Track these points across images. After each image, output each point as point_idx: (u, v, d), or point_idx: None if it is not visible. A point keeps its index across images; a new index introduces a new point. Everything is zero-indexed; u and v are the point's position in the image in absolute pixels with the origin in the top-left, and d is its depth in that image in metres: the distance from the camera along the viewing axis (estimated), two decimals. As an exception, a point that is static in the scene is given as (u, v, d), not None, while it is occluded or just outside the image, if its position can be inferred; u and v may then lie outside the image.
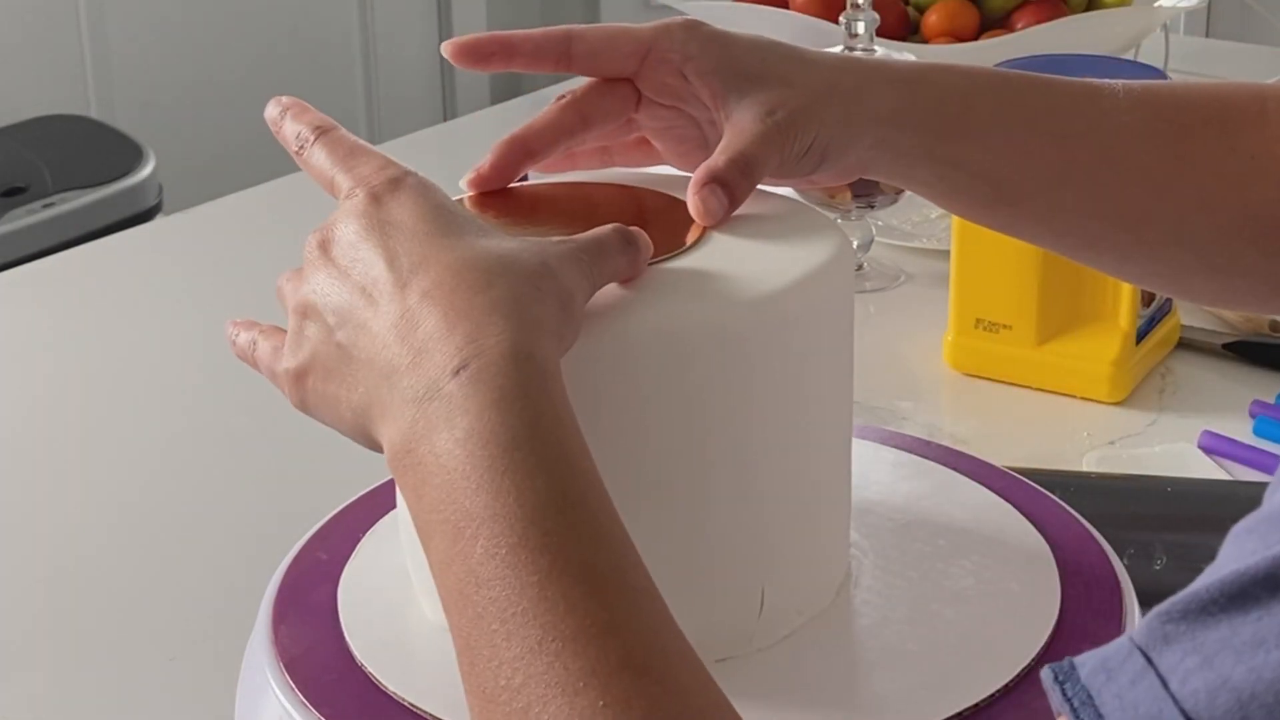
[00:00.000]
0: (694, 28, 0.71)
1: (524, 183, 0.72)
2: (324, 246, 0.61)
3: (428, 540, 0.54)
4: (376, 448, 0.59)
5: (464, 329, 0.55)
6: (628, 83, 0.72)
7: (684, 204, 0.66)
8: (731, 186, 0.67)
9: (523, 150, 0.71)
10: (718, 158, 0.68)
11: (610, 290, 0.60)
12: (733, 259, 0.63)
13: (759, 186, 0.69)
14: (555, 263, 0.58)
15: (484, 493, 0.52)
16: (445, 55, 0.72)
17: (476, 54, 0.71)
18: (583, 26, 0.71)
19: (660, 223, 0.65)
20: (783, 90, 0.70)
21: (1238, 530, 0.46)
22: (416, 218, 0.59)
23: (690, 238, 0.64)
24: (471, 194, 0.70)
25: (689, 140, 0.73)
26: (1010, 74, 0.75)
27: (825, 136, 0.70)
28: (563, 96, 0.72)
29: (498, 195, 0.70)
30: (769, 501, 0.61)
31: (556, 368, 0.55)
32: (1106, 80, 0.75)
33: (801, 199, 0.73)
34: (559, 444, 0.54)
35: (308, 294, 0.61)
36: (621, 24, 0.72)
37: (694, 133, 0.73)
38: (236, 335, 0.68)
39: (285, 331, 0.63)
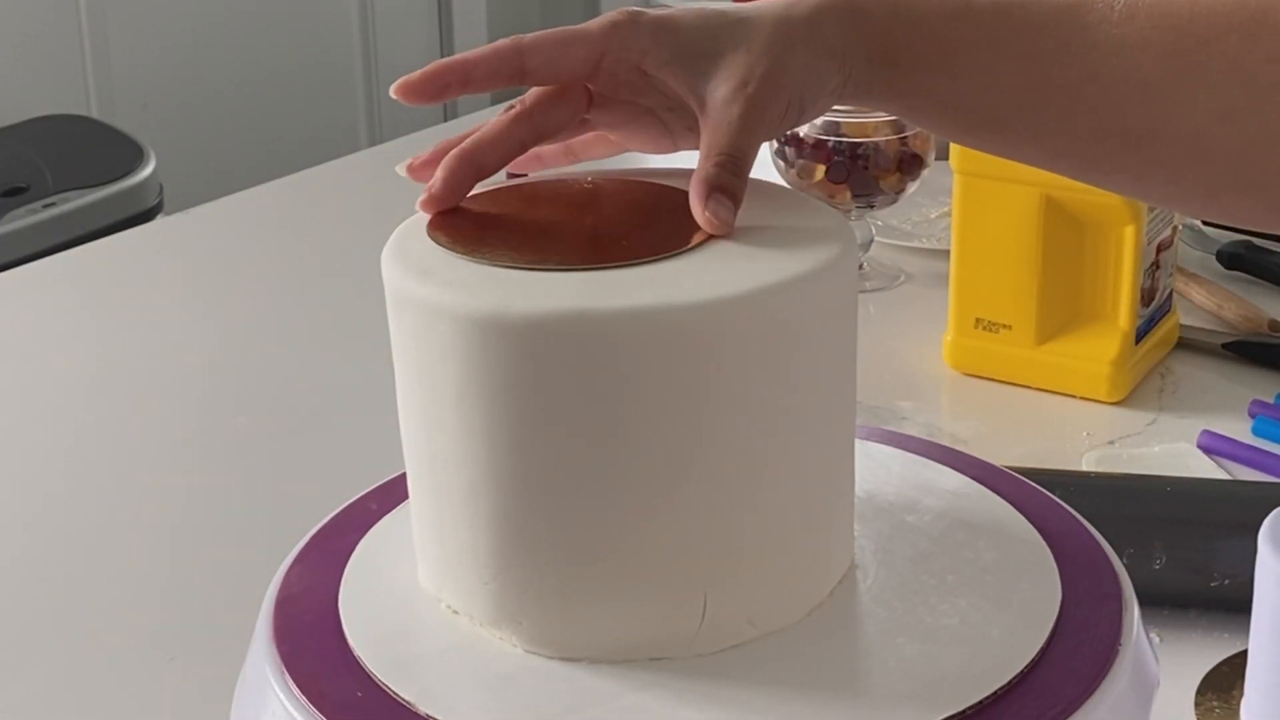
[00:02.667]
0: (637, 20, 0.70)
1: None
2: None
3: None
4: None
5: None
6: (579, 85, 0.71)
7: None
8: (730, 189, 0.66)
9: (473, 166, 0.68)
10: (706, 163, 0.67)
11: (612, 281, 0.60)
12: (737, 252, 0.63)
13: (759, 177, 0.69)
14: None
15: None
16: (395, 97, 0.69)
17: (430, 87, 0.70)
18: (531, 36, 0.70)
19: (670, 218, 0.66)
20: (744, 58, 0.69)
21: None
22: None
23: (698, 236, 0.64)
24: (429, 214, 0.68)
25: (649, 128, 0.73)
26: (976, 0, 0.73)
27: (796, 87, 0.69)
28: (512, 105, 0.71)
29: (508, 190, 0.70)
30: (768, 499, 0.62)
31: None
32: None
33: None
34: None
35: None
36: (567, 27, 0.70)
37: (651, 120, 0.72)
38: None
39: None
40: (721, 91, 0.68)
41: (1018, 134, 0.73)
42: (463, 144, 0.69)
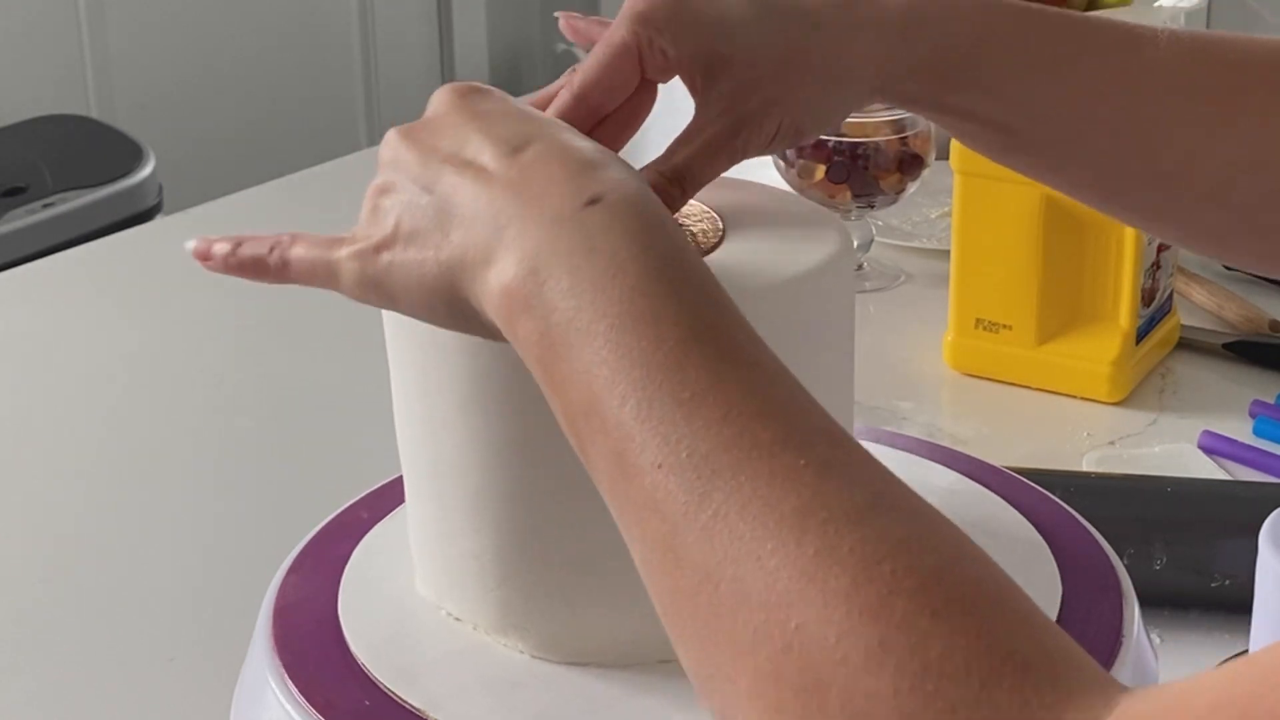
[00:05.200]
0: (655, 8, 0.67)
1: None
2: (410, 134, 0.58)
3: (563, 354, 0.52)
4: (458, 308, 0.56)
5: (587, 173, 0.54)
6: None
7: (703, 205, 0.67)
8: (662, 197, 0.64)
9: None
10: (652, 168, 0.66)
11: None
12: (735, 254, 0.63)
13: (756, 181, 0.69)
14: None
15: (642, 296, 0.51)
16: None
17: None
18: (579, 77, 0.67)
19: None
20: (743, 77, 0.66)
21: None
22: (508, 108, 0.58)
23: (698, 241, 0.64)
24: None
25: None
26: (1038, 12, 0.71)
27: (794, 118, 0.67)
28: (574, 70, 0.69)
29: None
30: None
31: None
32: (1151, 28, 0.72)
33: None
34: (704, 269, 0.53)
35: (388, 175, 0.59)
36: (602, 43, 0.67)
37: None
38: (230, 246, 0.65)
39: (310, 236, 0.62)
40: (709, 108, 0.67)
41: (1048, 160, 0.73)
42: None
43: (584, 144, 0.57)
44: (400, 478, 0.68)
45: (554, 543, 0.61)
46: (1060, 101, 0.71)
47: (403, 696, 0.60)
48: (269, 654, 0.64)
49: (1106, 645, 0.62)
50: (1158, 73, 0.71)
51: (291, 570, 0.69)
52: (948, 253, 1.20)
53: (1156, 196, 0.73)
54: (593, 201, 0.53)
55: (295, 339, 1.33)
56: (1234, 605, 0.87)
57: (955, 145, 1.17)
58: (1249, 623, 0.77)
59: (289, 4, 3.12)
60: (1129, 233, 1.13)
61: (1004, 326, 1.17)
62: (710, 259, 0.62)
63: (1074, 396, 1.16)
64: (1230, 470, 1.07)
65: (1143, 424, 1.13)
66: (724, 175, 0.70)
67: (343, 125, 3.24)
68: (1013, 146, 0.72)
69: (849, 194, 1.31)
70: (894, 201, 1.33)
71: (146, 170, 2.40)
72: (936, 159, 1.31)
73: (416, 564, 0.67)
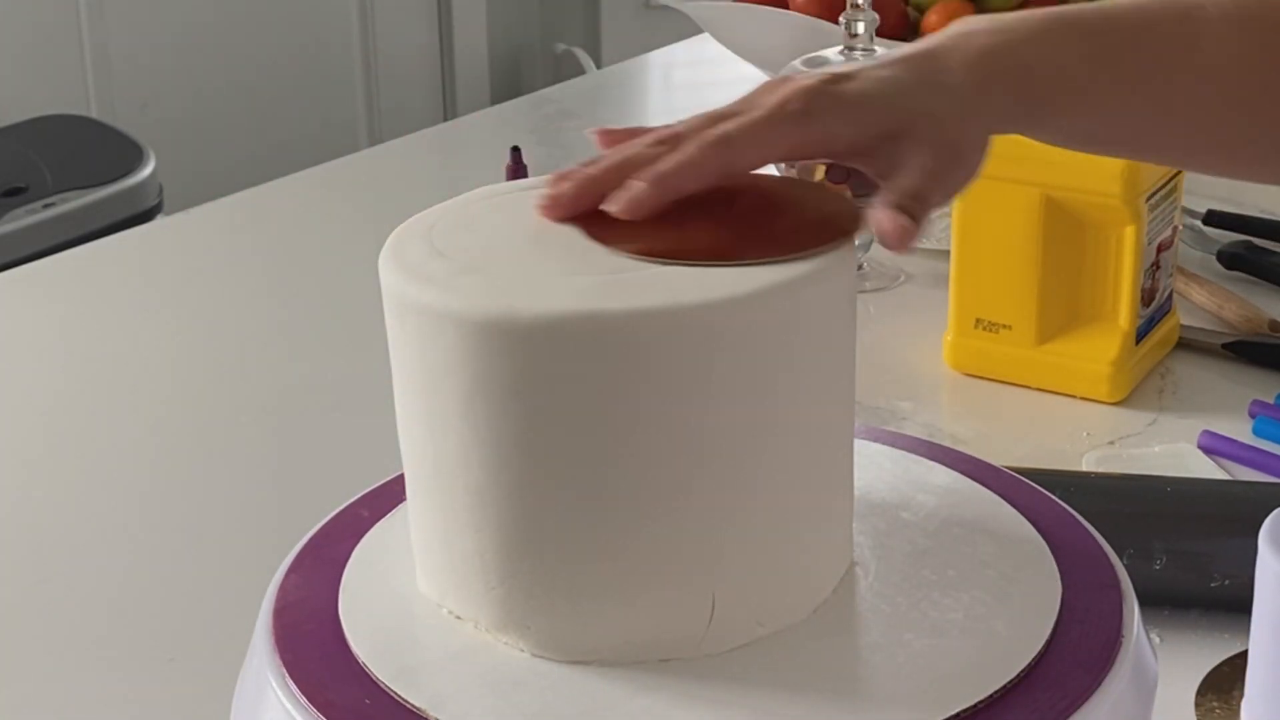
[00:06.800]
0: (826, 93, 0.71)
1: None
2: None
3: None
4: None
5: None
6: None
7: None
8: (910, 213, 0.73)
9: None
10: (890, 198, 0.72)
11: (618, 283, 0.60)
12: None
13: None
14: None
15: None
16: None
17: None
18: (735, 132, 0.67)
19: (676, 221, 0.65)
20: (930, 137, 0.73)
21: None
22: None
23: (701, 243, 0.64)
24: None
25: None
26: (1102, 23, 0.75)
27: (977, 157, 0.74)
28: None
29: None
30: (774, 497, 0.62)
31: None
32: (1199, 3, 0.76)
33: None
34: None
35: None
36: (764, 114, 0.68)
37: None
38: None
39: None
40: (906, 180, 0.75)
41: (1124, 151, 0.85)
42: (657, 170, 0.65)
43: None
44: (401, 476, 0.68)
45: (556, 541, 0.61)
46: (1135, 108, 0.76)
47: (404, 695, 0.60)
48: (269, 654, 0.63)
49: (1106, 645, 0.62)
50: (1215, 50, 0.75)
51: (291, 570, 0.69)
52: (948, 253, 1.21)
53: (1217, 157, 0.80)
54: None
55: (295, 338, 1.33)
56: (1234, 605, 0.87)
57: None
58: (1249, 623, 0.77)
59: (289, 4, 3.13)
60: (1129, 232, 1.13)
61: (1004, 326, 1.17)
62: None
63: (1074, 396, 1.16)
64: (1230, 470, 1.07)
65: (1143, 424, 1.13)
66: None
67: (343, 125, 3.24)
68: (1090, 146, 0.80)
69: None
70: (894, 201, 1.32)
71: (146, 170, 2.40)
72: (936, 159, 1.31)
73: (417, 562, 0.67)
